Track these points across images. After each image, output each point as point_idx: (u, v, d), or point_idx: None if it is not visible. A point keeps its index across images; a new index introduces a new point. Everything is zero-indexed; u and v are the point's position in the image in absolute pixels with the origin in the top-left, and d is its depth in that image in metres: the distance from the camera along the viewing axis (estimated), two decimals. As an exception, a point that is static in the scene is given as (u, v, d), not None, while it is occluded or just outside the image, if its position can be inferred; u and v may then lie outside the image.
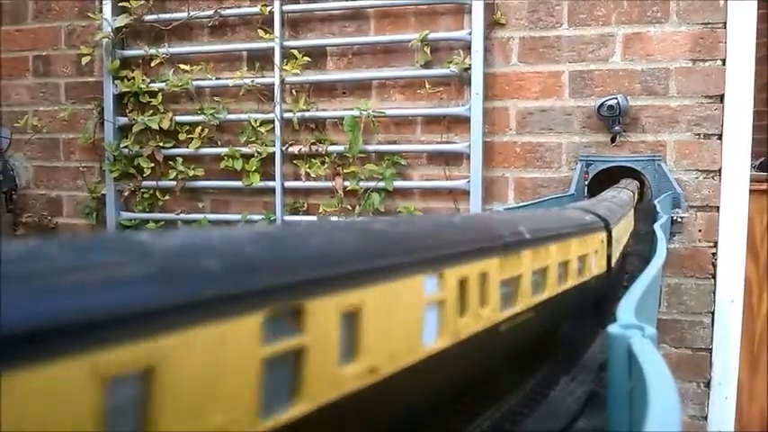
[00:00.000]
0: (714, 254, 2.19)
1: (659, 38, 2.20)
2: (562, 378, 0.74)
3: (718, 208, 2.18)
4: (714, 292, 2.19)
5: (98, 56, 2.71)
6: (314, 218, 2.51)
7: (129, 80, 2.63)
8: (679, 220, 2.13)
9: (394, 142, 2.46)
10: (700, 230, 2.20)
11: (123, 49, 2.69)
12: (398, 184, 2.43)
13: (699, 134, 2.19)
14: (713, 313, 2.20)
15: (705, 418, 2.21)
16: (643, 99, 2.22)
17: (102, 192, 2.75)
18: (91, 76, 2.78)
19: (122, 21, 2.61)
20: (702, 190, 2.19)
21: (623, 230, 1.09)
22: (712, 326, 2.20)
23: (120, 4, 2.62)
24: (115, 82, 2.66)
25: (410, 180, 2.46)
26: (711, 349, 2.20)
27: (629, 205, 1.33)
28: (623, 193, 1.55)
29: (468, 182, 2.34)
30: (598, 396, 0.67)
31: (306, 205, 2.56)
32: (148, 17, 2.63)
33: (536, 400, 0.68)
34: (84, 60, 2.68)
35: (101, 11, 2.65)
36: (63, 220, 2.90)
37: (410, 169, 2.46)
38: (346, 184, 2.46)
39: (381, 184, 2.42)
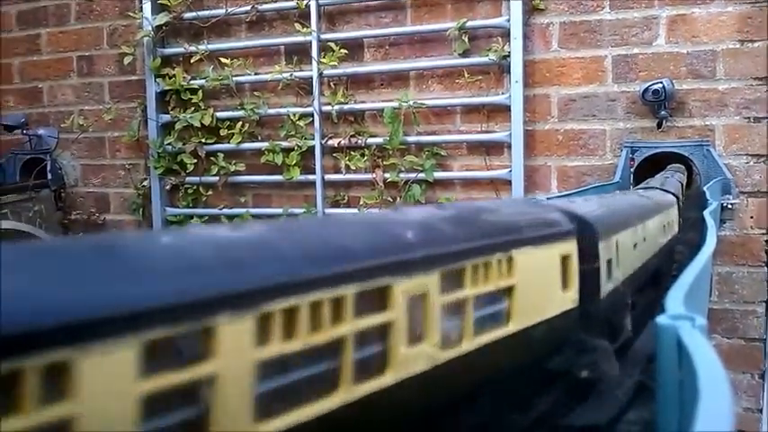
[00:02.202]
0: (767, 241, 2.13)
1: (705, 19, 2.14)
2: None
3: (770, 193, 2.12)
4: (767, 281, 2.13)
5: (139, 55, 2.76)
6: (355, 210, 2.51)
7: (170, 78, 2.67)
8: (729, 206, 2.07)
9: (433, 133, 2.45)
10: (751, 217, 2.13)
11: (164, 48, 2.73)
12: (439, 175, 2.42)
13: (748, 117, 2.12)
14: (767, 302, 2.14)
15: (760, 410, 2.15)
16: (689, 82, 2.16)
17: (145, 184, 2.80)
18: (133, 75, 2.83)
19: (162, 19, 2.65)
20: (753, 175, 2.12)
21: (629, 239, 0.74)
22: (766, 315, 2.14)
23: (159, 2, 2.66)
24: (157, 80, 2.70)
25: (450, 171, 2.44)
26: (765, 339, 2.14)
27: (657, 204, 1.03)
28: (671, 180, 1.48)
29: (510, 171, 2.32)
30: (647, 388, 0.65)
31: (346, 198, 2.57)
32: (187, 15, 2.66)
33: (584, 391, 0.66)
34: (127, 60, 2.73)
35: (141, 10, 2.70)
36: (110, 216, 2.96)
37: (450, 160, 2.44)
38: (386, 175, 2.46)
39: (422, 176, 2.41)
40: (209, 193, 2.73)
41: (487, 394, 0.51)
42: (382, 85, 2.51)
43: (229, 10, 2.62)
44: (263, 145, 2.59)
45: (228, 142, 2.65)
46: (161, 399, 0.27)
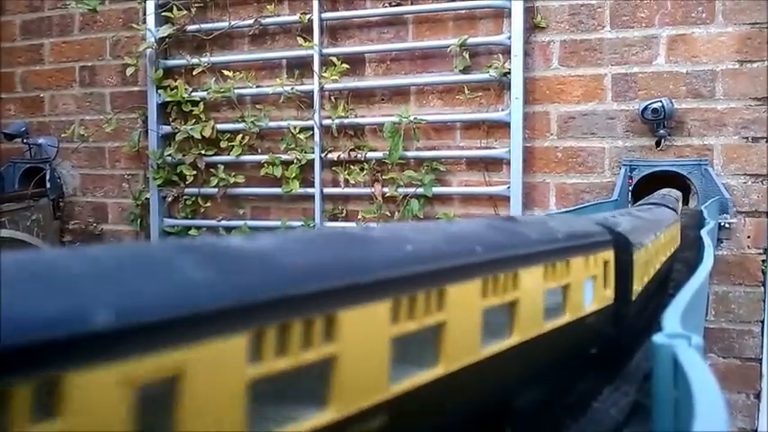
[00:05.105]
0: (764, 261, 2.13)
1: (704, 39, 2.15)
2: (605, 388, 0.72)
3: (767, 213, 2.12)
4: (764, 300, 2.13)
5: (142, 66, 2.77)
6: (353, 224, 2.51)
7: (172, 89, 2.68)
8: (727, 225, 2.07)
9: (433, 148, 2.45)
10: (748, 237, 2.13)
11: (166, 59, 2.74)
12: (438, 190, 2.42)
13: (747, 137, 2.13)
14: (763, 322, 2.13)
15: (755, 431, 2.15)
16: (688, 102, 2.17)
17: (147, 196, 2.80)
18: (135, 86, 2.84)
19: (165, 31, 2.66)
20: (751, 195, 2.13)
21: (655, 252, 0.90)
22: (762, 335, 2.13)
23: (163, 14, 2.67)
24: (158, 91, 2.71)
25: (449, 186, 2.44)
26: (762, 359, 2.14)
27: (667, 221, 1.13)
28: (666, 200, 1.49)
29: (509, 188, 2.32)
30: (642, 407, 0.65)
31: (345, 212, 2.57)
32: (190, 27, 2.67)
33: (579, 410, 0.66)
34: (129, 70, 2.74)
35: (144, 22, 2.71)
36: (108, 226, 2.96)
37: (449, 175, 2.44)
38: (385, 190, 2.46)
39: (420, 191, 2.41)
40: (208, 204, 2.73)
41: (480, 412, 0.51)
42: (383, 99, 2.52)
43: (232, 23, 2.63)
44: (263, 157, 2.60)
45: (228, 154, 2.65)
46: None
